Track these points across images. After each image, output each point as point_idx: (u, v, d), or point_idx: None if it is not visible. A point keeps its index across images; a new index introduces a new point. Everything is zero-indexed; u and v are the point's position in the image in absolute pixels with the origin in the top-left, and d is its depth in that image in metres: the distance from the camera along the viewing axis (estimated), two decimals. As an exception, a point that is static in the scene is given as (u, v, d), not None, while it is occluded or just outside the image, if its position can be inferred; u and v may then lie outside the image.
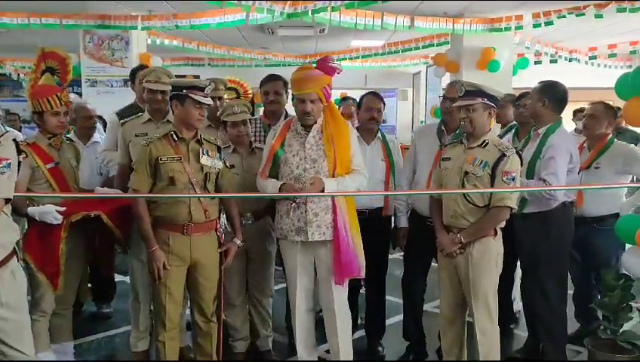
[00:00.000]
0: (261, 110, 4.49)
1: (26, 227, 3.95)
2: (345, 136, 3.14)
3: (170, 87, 3.46)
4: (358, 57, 10.75)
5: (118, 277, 4.79)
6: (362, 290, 3.96)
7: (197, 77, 9.38)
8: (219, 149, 3.21)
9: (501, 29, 7.80)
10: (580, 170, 3.78)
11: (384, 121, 5.53)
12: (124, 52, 8.33)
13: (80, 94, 8.19)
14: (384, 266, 3.78)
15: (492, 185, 2.98)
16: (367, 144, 3.66)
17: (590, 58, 10.53)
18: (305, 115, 3.08)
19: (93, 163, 4.23)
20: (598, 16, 6.90)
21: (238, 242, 3.25)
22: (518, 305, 4.34)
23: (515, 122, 4.26)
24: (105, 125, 5.25)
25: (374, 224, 3.55)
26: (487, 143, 3.05)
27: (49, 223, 3.06)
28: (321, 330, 3.41)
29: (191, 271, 3.14)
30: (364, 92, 3.87)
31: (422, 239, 3.47)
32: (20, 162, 2.57)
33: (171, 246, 3.03)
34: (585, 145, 3.93)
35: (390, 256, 3.79)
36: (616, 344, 3.40)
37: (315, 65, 3.10)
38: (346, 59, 10.77)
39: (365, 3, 6.39)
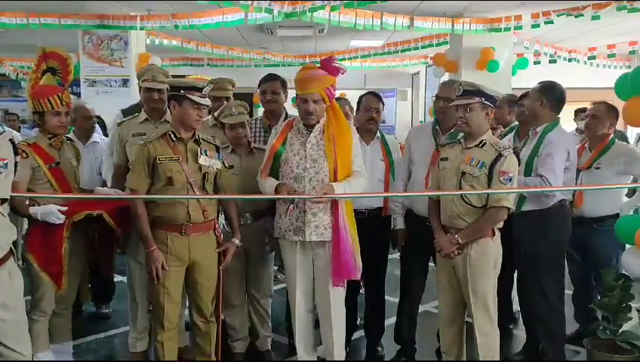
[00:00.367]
0: (260, 111, 4.49)
1: (26, 227, 3.96)
2: (347, 136, 3.13)
3: (168, 86, 3.47)
4: (357, 57, 10.74)
5: (117, 278, 4.78)
6: (362, 290, 3.95)
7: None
8: (217, 149, 3.20)
9: (500, 29, 7.79)
10: (580, 170, 3.79)
11: (383, 121, 5.53)
12: (123, 52, 8.32)
13: (79, 94, 8.18)
14: (383, 266, 3.77)
15: (489, 186, 2.98)
16: (367, 144, 3.66)
17: (589, 58, 10.53)
18: (307, 114, 3.07)
19: (93, 163, 4.22)
20: (595, 17, 6.90)
21: (237, 242, 3.24)
22: (517, 306, 4.33)
23: (516, 122, 4.27)
24: (102, 125, 5.25)
25: (374, 224, 3.55)
26: (485, 143, 3.04)
27: (51, 223, 3.06)
28: (319, 330, 3.40)
29: (189, 272, 3.14)
30: (363, 92, 3.86)
31: (419, 239, 3.47)
32: (16, 162, 2.57)
33: (170, 247, 3.03)
34: (586, 145, 3.93)
35: (389, 256, 3.78)
36: (615, 344, 3.40)
37: (318, 65, 3.09)
38: (345, 59, 10.76)
39: (364, 3, 6.39)
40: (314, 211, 3.06)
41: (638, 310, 3.63)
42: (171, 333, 3.15)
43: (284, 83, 3.91)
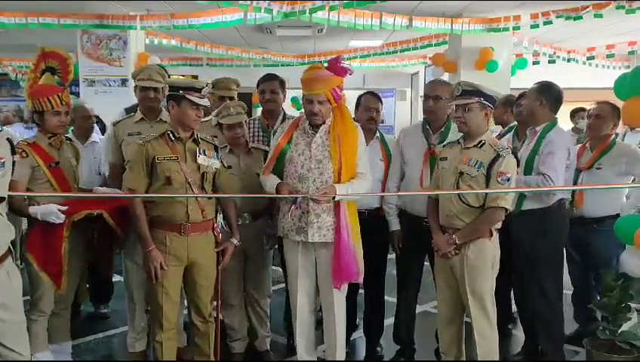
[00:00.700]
0: (259, 111, 4.49)
1: (24, 227, 3.95)
2: (352, 138, 3.11)
3: (163, 85, 3.47)
4: (356, 57, 10.74)
5: (116, 278, 4.77)
6: (361, 290, 3.95)
7: (195, 77, 9.39)
8: (216, 149, 3.20)
9: (499, 29, 7.80)
10: (581, 170, 3.79)
11: (382, 122, 5.53)
12: (122, 52, 8.31)
13: (77, 94, 8.18)
14: (383, 266, 3.77)
15: (487, 186, 2.98)
16: (366, 144, 3.65)
17: (588, 58, 10.53)
18: (312, 115, 3.06)
19: (92, 163, 4.21)
20: (598, 15, 6.90)
21: (235, 242, 3.24)
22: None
23: (515, 122, 4.27)
24: (101, 125, 5.25)
25: (373, 224, 3.54)
26: (484, 144, 3.04)
27: (51, 222, 3.05)
28: (319, 331, 3.40)
29: (188, 271, 3.13)
30: (362, 92, 3.86)
31: (414, 239, 3.48)
32: (14, 161, 2.56)
33: (168, 247, 3.02)
34: (587, 145, 3.92)
35: (389, 256, 3.78)
36: (614, 344, 3.40)
37: (326, 64, 3.07)
38: (344, 59, 10.75)
39: (363, 3, 6.39)
40: (317, 212, 3.05)
41: (637, 310, 3.64)
42: (170, 333, 3.14)
43: (282, 83, 3.91)
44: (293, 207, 3.03)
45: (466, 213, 3.02)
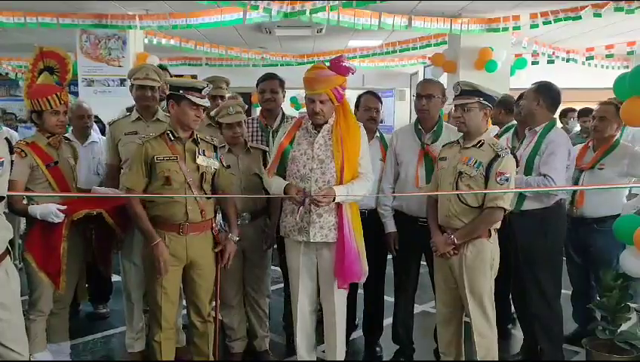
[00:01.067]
0: (258, 110, 4.49)
1: (23, 227, 3.94)
2: (355, 138, 3.11)
3: (160, 84, 3.47)
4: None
5: (114, 277, 4.77)
6: (360, 290, 3.95)
7: (194, 77, 9.38)
8: (215, 149, 3.20)
9: (499, 29, 7.79)
10: (583, 170, 3.79)
11: (381, 121, 5.51)
12: (121, 51, 8.31)
13: (76, 94, 8.17)
14: (382, 266, 3.77)
15: (486, 186, 2.98)
16: (366, 144, 3.65)
17: (587, 58, 10.53)
18: (314, 114, 3.06)
19: (90, 163, 4.21)
20: (597, 15, 6.90)
21: (235, 238, 3.23)
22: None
23: (512, 122, 4.27)
24: (102, 126, 5.24)
25: (373, 224, 3.54)
26: (483, 143, 3.04)
27: (50, 222, 3.05)
28: (319, 331, 3.40)
29: (187, 271, 3.13)
30: (361, 92, 3.86)
31: (410, 239, 3.49)
32: (12, 161, 2.56)
33: (167, 246, 3.02)
34: (590, 145, 3.92)
35: (388, 257, 3.77)
36: (613, 344, 3.40)
37: (328, 64, 3.06)
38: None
39: (363, 3, 6.39)
40: (319, 212, 3.05)
41: (636, 310, 3.64)
42: (169, 333, 3.14)
43: (282, 82, 3.91)
44: (301, 208, 3.02)
45: (464, 213, 3.02)
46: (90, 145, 4.31)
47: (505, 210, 3.01)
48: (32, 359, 2.89)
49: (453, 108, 3.15)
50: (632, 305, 3.48)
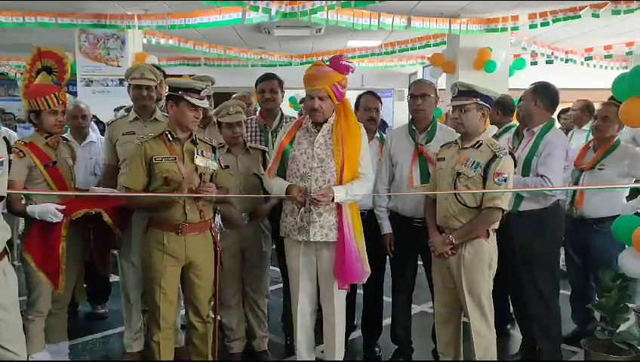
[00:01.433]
0: (257, 111, 4.48)
1: (22, 227, 3.94)
2: (355, 137, 3.10)
3: (156, 84, 3.47)
4: (354, 57, 10.71)
5: (113, 278, 4.76)
6: (359, 291, 3.95)
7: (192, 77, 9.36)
8: (214, 149, 3.19)
9: (497, 29, 7.80)
10: (583, 170, 3.79)
11: (384, 125, 5.53)
12: (120, 51, 8.31)
13: (75, 94, 8.16)
14: (381, 267, 3.76)
15: (484, 187, 2.98)
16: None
17: (586, 59, 10.55)
18: (313, 111, 3.05)
19: (88, 163, 4.20)
20: (595, 15, 6.91)
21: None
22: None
23: (511, 122, 4.28)
24: (102, 126, 5.23)
25: (372, 225, 3.54)
26: (481, 144, 3.04)
27: (49, 222, 3.05)
28: (318, 331, 3.40)
29: (186, 272, 3.13)
30: (360, 92, 3.86)
31: (406, 240, 3.49)
32: (10, 160, 2.55)
33: (166, 246, 3.02)
34: (590, 145, 3.92)
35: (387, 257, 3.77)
36: (612, 345, 3.40)
37: (327, 62, 3.06)
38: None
39: (362, 3, 6.39)
40: (319, 211, 3.04)
41: (635, 310, 3.64)
42: (167, 333, 3.14)
43: (281, 82, 3.92)
44: (302, 209, 3.02)
45: (462, 214, 3.02)
46: (87, 145, 4.31)
47: (503, 210, 3.01)
48: (30, 359, 2.89)
49: (451, 109, 3.14)
50: (631, 306, 3.48)
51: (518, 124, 4.00)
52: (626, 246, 3.38)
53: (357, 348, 4.00)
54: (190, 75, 4.10)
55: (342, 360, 3.25)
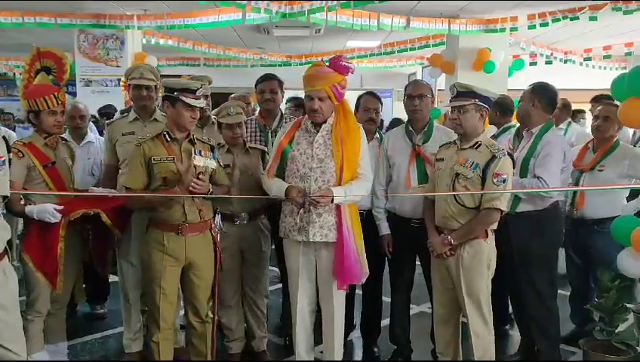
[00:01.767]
0: (256, 111, 4.49)
1: (21, 228, 3.94)
2: (355, 137, 3.10)
3: (156, 83, 3.47)
4: (353, 58, 10.73)
5: (112, 278, 4.76)
6: (358, 291, 3.95)
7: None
8: (212, 149, 3.19)
9: (496, 30, 7.82)
10: (583, 171, 3.79)
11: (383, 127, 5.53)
12: (119, 51, 8.31)
13: (74, 94, 8.17)
14: (380, 267, 3.77)
15: (483, 187, 2.98)
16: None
17: (585, 59, 10.57)
18: (312, 111, 3.05)
19: (86, 163, 4.19)
20: (593, 18, 6.92)
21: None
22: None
23: (509, 123, 4.28)
24: (99, 125, 5.23)
25: (371, 225, 3.54)
26: (480, 145, 3.05)
27: (47, 222, 3.05)
28: (317, 331, 3.40)
29: (185, 272, 3.13)
30: (359, 93, 3.86)
31: (404, 240, 3.49)
32: (10, 160, 2.56)
33: (166, 247, 3.02)
34: (589, 146, 3.92)
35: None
36: (611, 345, 3.40)
37: (327, 63, 3.06)
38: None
39: (361, 3, 6.40)
40: (319, 211, 3.04)
41: (633, 311, 3.64)
42: (167, 333, 3.14)
43: (281, 83, 3.92)
44: (302, 210, 3.02)
45: (461, 214, 3.02)
46: (86, 146, 4.30)
47: (502, 211, 3.02)
48: (29, 359, 2.88)
49: (450, 109, 3.15)
50: (630, 306, 3.48)
51: (518, 124, 4.01)
52: (625, 246, 3.38)
53: (356, 349, 4.00)
54: (189, 76, 4.09)
55: (341, 360, 3.25)
